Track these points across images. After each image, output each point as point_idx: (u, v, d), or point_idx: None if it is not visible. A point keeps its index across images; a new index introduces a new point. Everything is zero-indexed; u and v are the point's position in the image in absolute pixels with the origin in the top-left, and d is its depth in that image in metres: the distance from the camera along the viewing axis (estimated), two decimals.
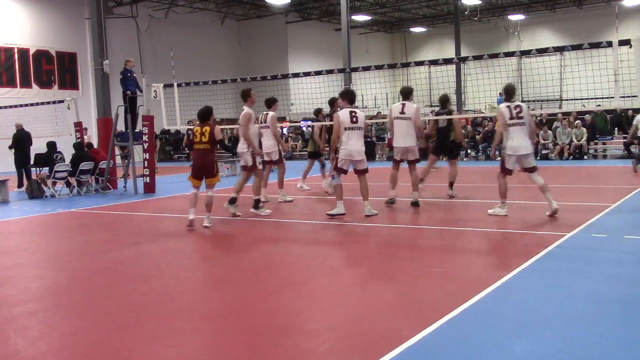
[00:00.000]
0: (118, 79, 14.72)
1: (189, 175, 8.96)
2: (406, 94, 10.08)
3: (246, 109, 9.67)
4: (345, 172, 9.15)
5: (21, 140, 15.62)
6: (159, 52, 27.56)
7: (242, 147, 9.61)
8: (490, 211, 8.99)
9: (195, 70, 25.74)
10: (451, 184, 11.11)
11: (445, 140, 11.07)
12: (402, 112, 9.83)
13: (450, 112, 11.38)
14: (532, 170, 8.74)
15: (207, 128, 8.59)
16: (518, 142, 8.54)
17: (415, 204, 9.97)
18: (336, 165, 9.13)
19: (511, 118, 8.58)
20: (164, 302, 5.17)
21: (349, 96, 9.26)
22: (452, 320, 4.31)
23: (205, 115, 8.75)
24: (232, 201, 9.65)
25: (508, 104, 8.71)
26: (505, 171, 8.85)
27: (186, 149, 25.60)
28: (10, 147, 15.78)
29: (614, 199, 9.87)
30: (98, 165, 14.35)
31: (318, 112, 13.03)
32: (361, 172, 9.15)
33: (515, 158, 8.66)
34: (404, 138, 9.90)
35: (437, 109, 12.36)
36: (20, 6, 24.66)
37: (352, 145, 8.94)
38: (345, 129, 8.92)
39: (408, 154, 10.01)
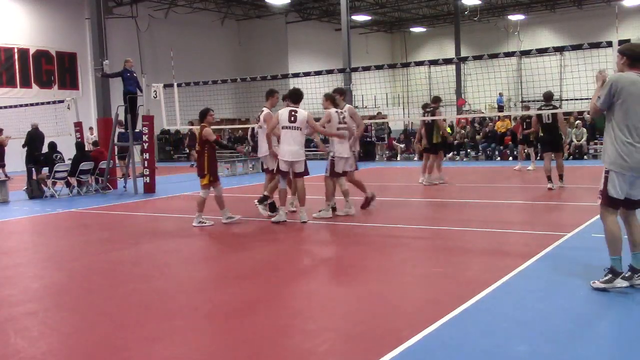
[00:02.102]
0: (118, 79, 14.74)
1: None
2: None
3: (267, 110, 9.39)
4: (287, 174, 8.81)
5: (33, 140, 15.70)
6: (159, 52, 27.57)
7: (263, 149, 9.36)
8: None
9: (195, 70, 25.74)
10: (561, 177, 11.54)
11: (554, 135, 11.52)
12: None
13: (554, 108, 11.71)
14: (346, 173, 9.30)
15: (199, 129, 8.87)
16: (346, 146, 9.07)
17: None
18: (278, 168, 8.81)
19: (339, 122, 9.03)
20: (164, 302, 5.17)
21: (291, 97, 8.92)
22: (452, 320, 4.31)
23: (200, 116, 9.01)
24: (262, 200, 9.49)
25: (337, 110, 9.13)
26: (335, 174, 9.12)
27: (186, 149, 25.66)
28: (23, 146, 15.93)
29: None
30: (98, 165, 14.36)
31: (436, 101, 13.13)
32: (297, 175, 8.81)
33: (344, 161, 9.12)
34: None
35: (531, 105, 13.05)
36: (20, 6, 24.67)
37: (286, 145, 8.64)
38: (283, 128, 8.67)
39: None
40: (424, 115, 13.15)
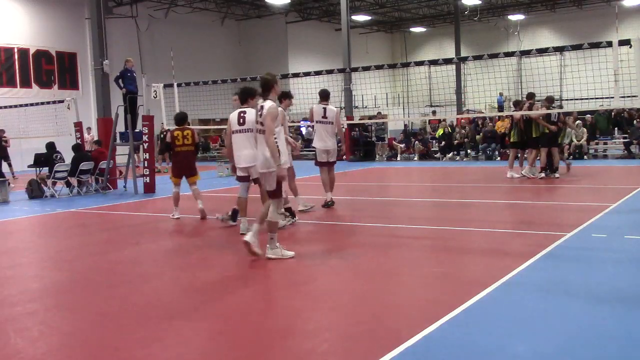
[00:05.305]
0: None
1: (170, 176, 9.75)
2: (325, 96, 10.21)
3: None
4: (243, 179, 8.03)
5: None
6: (159, 52, 27.54)
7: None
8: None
9: (195, 70, 25.71)
10: (542, 169, 13.36)
11: (555, 133, 13.42)
12: (324, 117, 9.96)
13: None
14: None
15: (189, 132, 9.51)
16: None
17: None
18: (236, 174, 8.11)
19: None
20: (164, 302, 5.17)
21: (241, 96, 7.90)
22: (452, 320, 4.31)
23: (184, 119, 9.73)
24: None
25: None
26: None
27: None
28: None
29: (614, 199, 9.86)
30: (98, 165, 14.35)
31: (531, 97, 13.98)
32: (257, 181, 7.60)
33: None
34: (323, 141, 9.99)
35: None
36: (20, 6, 24.66)
37: (238, 151, 7.78)
38: (233, 132, 7.77)
39: (329, 154, 10.06)
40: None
